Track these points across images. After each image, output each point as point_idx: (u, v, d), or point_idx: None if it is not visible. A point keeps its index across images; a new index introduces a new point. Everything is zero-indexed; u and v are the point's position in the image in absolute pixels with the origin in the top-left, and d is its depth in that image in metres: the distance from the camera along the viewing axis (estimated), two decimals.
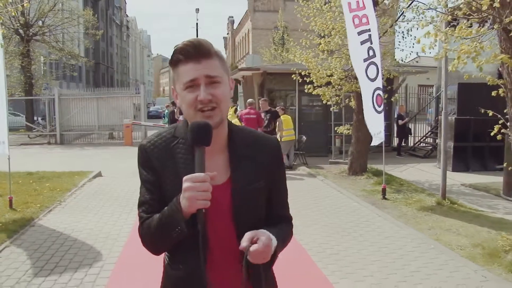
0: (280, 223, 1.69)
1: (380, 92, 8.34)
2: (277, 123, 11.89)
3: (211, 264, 1.55)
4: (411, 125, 17.68)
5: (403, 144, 16.59)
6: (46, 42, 26.89)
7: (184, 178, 1.41)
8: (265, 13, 47.42)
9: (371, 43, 8.37)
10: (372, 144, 9.19)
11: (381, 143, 8.55)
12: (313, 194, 9.13)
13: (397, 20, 6.94)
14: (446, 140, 8.96)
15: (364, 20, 8.47)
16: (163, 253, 1.67)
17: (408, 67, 13.50)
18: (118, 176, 11.03)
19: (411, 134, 17.18)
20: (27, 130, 24.00)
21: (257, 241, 1.46)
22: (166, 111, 22.00)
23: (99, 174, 11.38)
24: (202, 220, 1.43)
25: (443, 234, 6.32)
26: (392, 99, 11.09)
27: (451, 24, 6.62)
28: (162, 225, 1.51)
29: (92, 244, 5.88)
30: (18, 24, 24.10)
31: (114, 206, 7.97)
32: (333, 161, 13.67)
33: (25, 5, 5.90)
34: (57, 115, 20.48)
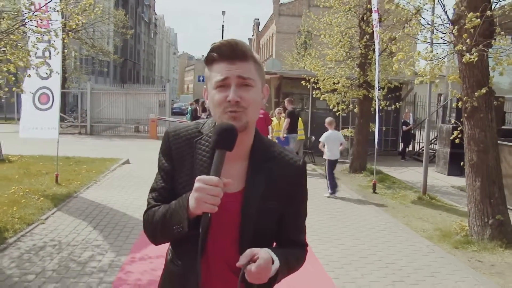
0: (292, 247, 1.65)
1: (377, 100, 9.61)
2: (285, 121, 12.61)
3: (207, 270, 1.56)
4: (418, 132, 18.76)
5: (409, 149, 17.71)
6: (80, 39, 28.61)
7: (197, 178, 1.40)
8: (290, 17, 48.52)
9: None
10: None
11: (375, 144, 9.81)
12: (313, 186, 10.39)
13: (387, 45, 8.13)
14: (428, 145, 10.13)
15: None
16: (168, 247, 1.70)
17: (410, 77, 14.60)
18: (144, 164, 12.44)
19: (414, 140, 18.22)
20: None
21: (256, 260, 1.42)
22: (189, 108, 23.44)
23: (127, 161, 12.85)
24: (206, 224, 1.42)
25: (414, 220, 7.56)
26: (392, 107, 12.19)
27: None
28: (166, 218, 1.51)
29: (125, 212, 7.31)
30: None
31: (142, 186, 9.37)
32: (339, 160, 14.89)
33: (84, 20, 7.20)
34: (89, 107, 22.16)
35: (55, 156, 10.94)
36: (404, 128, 17.01)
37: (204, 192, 1.36)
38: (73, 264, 5.04)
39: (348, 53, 11.58)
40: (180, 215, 1.45)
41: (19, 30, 6.07)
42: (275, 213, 1.58)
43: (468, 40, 5.60)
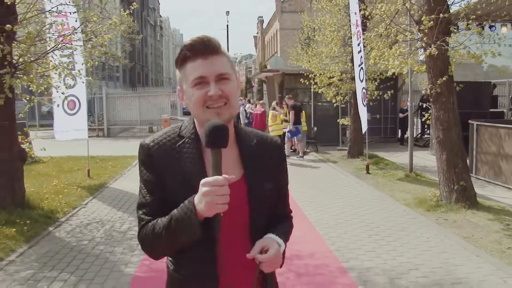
0: (283, 220, 1.72)
1: (364, 91, 10.81)
2: (290, 114, 14.10)
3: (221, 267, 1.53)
4: (415, 118, 19.85)
5: (406, 135, 18.82)
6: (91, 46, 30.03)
7: (202, 182, 1.38)
8: (292, 13, 49.50)
9: (361, 51, 10.83)
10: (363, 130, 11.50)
11: (365, 130, 11.02)
12: (315, 170, 11.67)
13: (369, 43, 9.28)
14: (413, 130, 11.35)
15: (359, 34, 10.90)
16: (167, 259, 1.65)
17: None
18: None
19: None
20: None
21: (267, 251, 1.50)
22: None
23: None
24: (219, 224, 1.41)
25: (398, 193, 8.78)
26: (385, 96, 13.28)
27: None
28: (172, 228, 1.46)
29: None
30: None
31: None
32: (340, 148, 16.13)
33: (110, 37, 8.49)
34: (105, 111, 23.59)
35: (81, 156, 12.35)
36: (401, 115, 18.11)
37: (213, 194, 1.35)
38: (116, 233, 6.36)
39: (340, 50, 12.78)
40: (188, 221, 1.42)
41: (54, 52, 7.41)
42: (273, 192, 1.65)
43: (426, 38, 6.79)
